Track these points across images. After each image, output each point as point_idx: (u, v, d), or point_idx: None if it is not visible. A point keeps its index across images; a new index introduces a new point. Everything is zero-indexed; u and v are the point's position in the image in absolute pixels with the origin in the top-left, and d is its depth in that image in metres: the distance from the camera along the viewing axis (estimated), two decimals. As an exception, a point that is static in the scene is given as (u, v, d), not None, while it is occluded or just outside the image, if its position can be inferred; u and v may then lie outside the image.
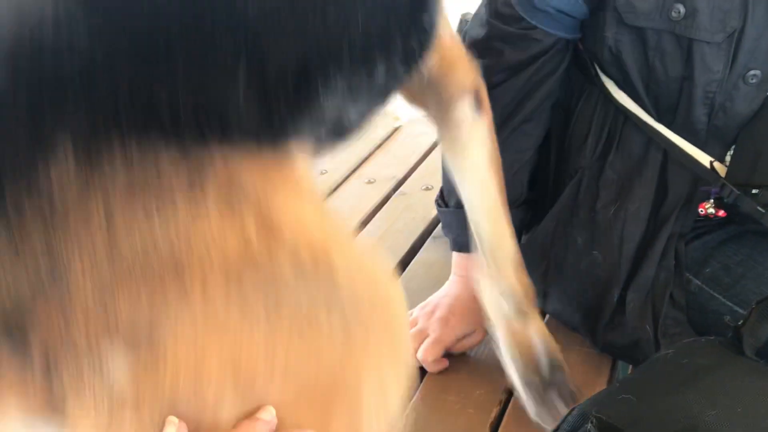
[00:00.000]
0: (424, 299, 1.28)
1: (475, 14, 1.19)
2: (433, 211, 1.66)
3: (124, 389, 0.52)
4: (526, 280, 1.05)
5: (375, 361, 0.64)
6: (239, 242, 0.56)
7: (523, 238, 1.26)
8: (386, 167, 1.90)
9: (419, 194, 1.76)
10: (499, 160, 1.03)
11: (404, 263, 1.49)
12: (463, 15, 1.35)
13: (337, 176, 1.86)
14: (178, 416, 0.53)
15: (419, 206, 1.70)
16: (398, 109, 2.33)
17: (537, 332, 1.04)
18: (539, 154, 1.23)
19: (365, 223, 1.66)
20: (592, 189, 1.15)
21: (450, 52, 0.90)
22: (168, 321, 0.53)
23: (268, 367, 0.56)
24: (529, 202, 1.25)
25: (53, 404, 0.52)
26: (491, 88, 1.14)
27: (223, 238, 0.56)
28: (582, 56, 1.15)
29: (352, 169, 1.90)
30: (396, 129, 2.12)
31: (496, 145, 1.01)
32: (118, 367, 0.52)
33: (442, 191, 1.31)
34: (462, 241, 1.25)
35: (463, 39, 1.21)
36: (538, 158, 1.23)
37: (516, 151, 1.19)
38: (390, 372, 0.66)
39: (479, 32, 1.15)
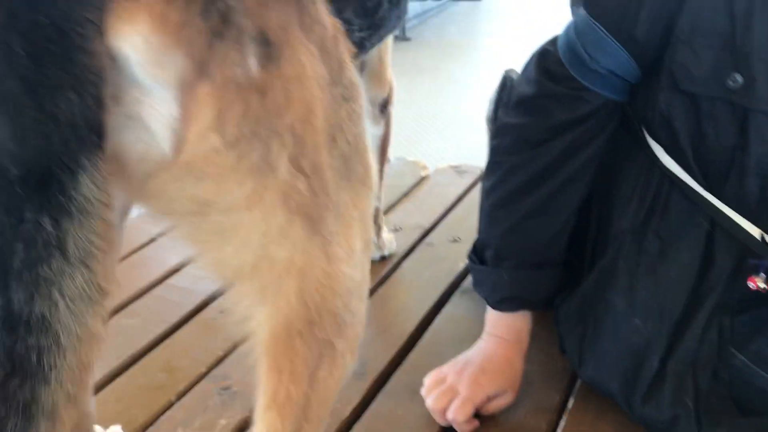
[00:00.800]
0: (452, 355, 1.25)
1: (524, 70, 1.18)
2: (461, 264, 1.64)
3: (255, 76, 0.63)
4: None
5: None
6: None
7: (558, 298, 1.24)
8: (412, 216, 1.88)
9: (446, 246, 1.73)
10: (387, 145, 1.48)
11: (431, 317, 1.46)
12: (507, 71, 1.35)
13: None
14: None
15: (446, 258, 1.67)
16: (426, 158, 2.33)
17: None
18: (579, 214, 1.21)
19: (392, 271, 1.63)
20: (634, 254, 1.12)
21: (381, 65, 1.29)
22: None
23: None
24: (567, 263, 1.22)
25: (195, 50, 0.61)
26: (537, 145, 1.13)
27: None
28: (629, 118, 1.14)
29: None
30: (423, 178, 2.11)
31: (391, 131, 1.45)
32: (255, 57, 0.63)
33: (475, 246, 1.28)
34: (497, 301, 1.22)
35: (510, 95, 1.20)
36: (577, 218, 1.21)
37: (557, 210, 1.17)
38: None
39: (528, 90, 1.14)
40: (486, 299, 1.24)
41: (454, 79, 4.89)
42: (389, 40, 1.30)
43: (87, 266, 0.61)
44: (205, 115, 0.63)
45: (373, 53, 1.26)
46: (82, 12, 0.58)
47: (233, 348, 1.39)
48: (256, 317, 0.73)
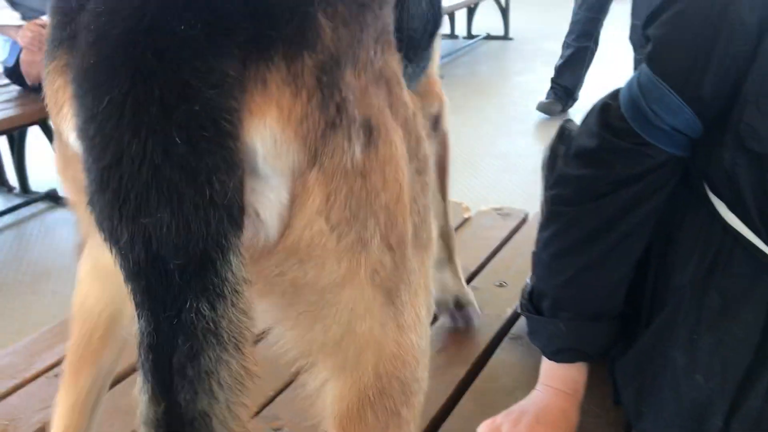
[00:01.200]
0: (504, 404, 1.25)
1: (584, 123, 1.19)
2: (508, 310, 1.64)
3: (358, 161, 0.67)
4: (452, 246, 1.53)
5: None
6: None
7: (614, 350, 1.23)
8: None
9: (492, 290, 1.74)
10: (447, 168, 1.45)
11: (481, 364, 1.46)
12: (565, 122, 1.36)
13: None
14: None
15: (493, 303, 1.67)
16: (462, 198, 2.34)
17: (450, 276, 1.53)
18: (636, 266, 1.21)
19: (436, 317, 1.63)
20: (695, 309, 1.12)
21: (428, 80, 1.27)
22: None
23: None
24: (623, 315, 1.22)
25: (309, 141, 0.64)
26: (597, 198, 1.13)
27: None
28: (690, 173, 1.14)
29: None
30: (466, 220, 2.12)
31: (448, 153, 1.43)
32: (359, 144, 0.66)
33: (531, 295, 1.29)
34: (554, 351, 1.22)
35: (569, 145, 1.22)
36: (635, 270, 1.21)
37: (616, 263, 1.17)
38: None
39: (589, 143, 1.15)
40: (542, 350, 1.24)
41: (486, 117, 4.91)
42: (437, 58, 1.30)
43: (239, 350, 0.63)
44: (313, 201, 0.66)
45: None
46: (228, 100, 0.61)
47: (284, 387, 1.40)
48: (331, 389, 0.75)
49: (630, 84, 1.12)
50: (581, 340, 1.20)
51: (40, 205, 3.61)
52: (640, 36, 1.11)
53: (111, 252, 0.62)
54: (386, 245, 0.70)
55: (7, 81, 3.47)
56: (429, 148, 0.81)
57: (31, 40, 3.10)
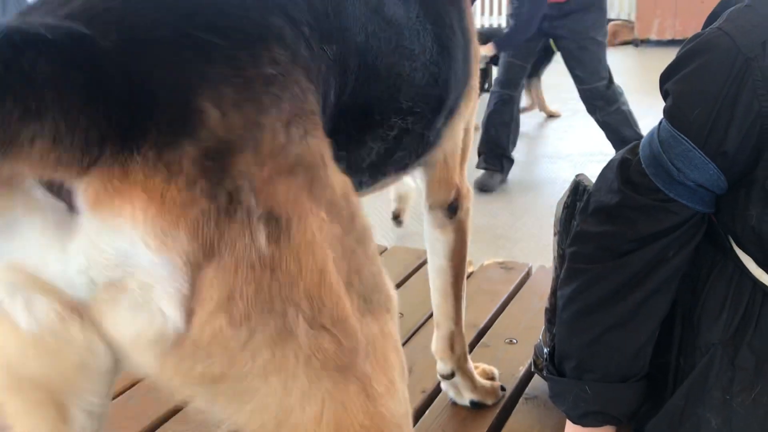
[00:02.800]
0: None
1: (602, 179, 1.17)
2: (521, 368, 1.59)
3: (264, 253, 0.62)
4: (459, 350, 1.43)
5: None
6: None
7: (642, 412, 1.19)
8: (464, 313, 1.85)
9: (503, 348, 1.69)
10: (463, 255, 1.37)
11: (498, 426, 1.40)
12: (578, 176, 1.34)
13: (415, 319, 1.81)
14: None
15: (505, 361, 1.63)
16: (470, 253, 2.32)
17: (468, 389, 1.45)
18: (662, 325, 1.18)
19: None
20: (727, 369, 1.08)
21: (447, 168, 1.25)
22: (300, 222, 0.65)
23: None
24: (650, 376, 1.18)
25: (201, 230, 0.60)
26: (621, 255, 1.11)
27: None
28: (715, 229, 1.12)
29: (428, 314, 1.84)
30: (470, 274, 2.08)
31: (465, 243, 1.35)
32: (263, 235, 0.62)
33: (552, 355, 1.25)
34: (580, 415, 1.17)
35: (587, 201, 1.19)
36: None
37: (642, 321, 1.14)
38: None
39: (609, 199, 1.13)
40: (567, 413, 1.20)
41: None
42: (457, 145, 1.28)
43: None
44: (212, 297, 0.61)
45: (436, 155, 1.24)
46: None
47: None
48: None
49: (650, 139, 1.10)
50: (608, 403, 1.16)
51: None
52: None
53: None
54: (318, 328, 0.66)
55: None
56: (367, 221, 0.77)
57: None
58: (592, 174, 1.31)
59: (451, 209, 1.30)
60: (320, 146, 0.71)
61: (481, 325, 1.79)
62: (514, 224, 3.80)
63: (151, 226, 0.59)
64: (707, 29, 1.04)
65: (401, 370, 0.75)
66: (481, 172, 4.27)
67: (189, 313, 0.62)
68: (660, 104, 1.12)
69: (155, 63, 0.61)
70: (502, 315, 1.85)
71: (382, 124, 0.95)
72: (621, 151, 1.18)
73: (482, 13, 10.01)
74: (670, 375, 1.17)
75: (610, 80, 4.27)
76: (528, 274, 2.08)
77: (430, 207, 1.31)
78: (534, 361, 1.53)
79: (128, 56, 0.60)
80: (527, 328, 1.75)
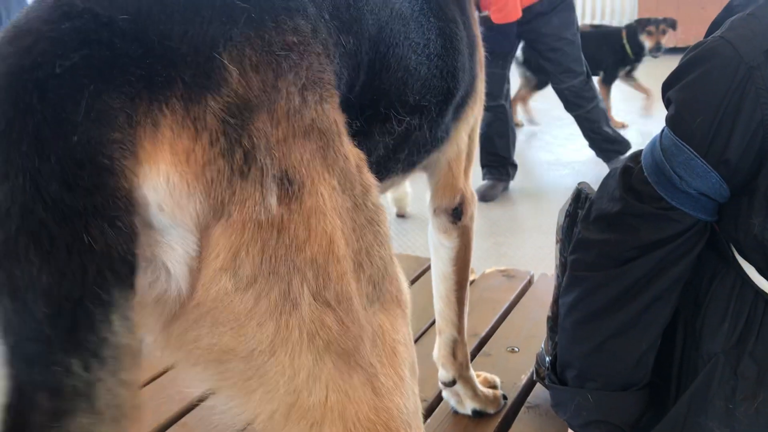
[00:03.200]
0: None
1: (604, 186, 1.17)
2: (523, 377, 1.59)
3: (274, 214, 0.62)
4: (461, 357, 1.42)
5: None
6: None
7: (643, 421, 1.18)
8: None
9: (505, 356, 1.68)
10: (467, 261, 1.36)
11: (499, 436, 1.40)
12: (580, 184, 1.34)
13: (416, 327, 1.81)
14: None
15: (507, 370, 1.62)
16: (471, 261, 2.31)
17: (469, 398, 1.44)
18: (663, 333, 1.17)
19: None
20: (730, 378, 1.07)
21: (451, 173, 1.25)
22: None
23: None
24: (652, 384, 1.18)
25: (214, 189, 0.60)
26: (622, 263, 1.10)
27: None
28: (717, 237, 1.12)
29: (429, 322, 1.84)
30: (471, 282, 2.07)
31: (469, 248, 1.35)
32: (274, 196, 0.62)
33: (553, 364, 1.24)
34: (582, 424, 1.17)
35: (588, 209, 1.19)
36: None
37: (644, 329, 1.13)
38: None
39: (611, 207, 1.13)
40: (568, 422, 1.19)
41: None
42: (462, 150, 1.28)
43: (119, 425, 0.57)
44: (217, 256, 0.61)
45: (440, 160, 1.24)
46: (109, 132, 0.57)
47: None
48: None
49: (652, 147, 1.10)
50: (610, 412, 1.15)
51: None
52: None
53: None
54: (322, 303, 0.65)
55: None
56: (381, 201, 0.76)
57: None
58: (593, 181, 1.31)
59: (456, 214, 1.31)
60: (335, 114, 0.71)
61: (483, 334, 1.79)
62: (514, 232, 3.79)
63: (170, 190, 0.59)
64: (709, 38, 1.04)
65: (411, 367, 0.74)
66: (484, 181, 4.27)
67: (194, 273, 0.61)
68: (662, 111, 1.12)
69: (174, 23, 0.62)
70: (503, 323, 1.84)
71: (389, 117, 0.95)
72: (623, 159, 1.18)
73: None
74: (672, 384, 1.17)
75: (588, 75, 4.32)
76: (530, 282, 2.08)
77: (435, 211, 1.31)
78: (536, 370, 1.52)
79: (146, 21, 0.61)
80: (529, 337, 1.74)
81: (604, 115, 4.44)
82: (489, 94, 4.70)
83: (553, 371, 1.23)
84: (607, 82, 5.48)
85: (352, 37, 0.83)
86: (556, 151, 5.20)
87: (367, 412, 0.67)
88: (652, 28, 5.25)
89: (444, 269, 1.35)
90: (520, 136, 5.48)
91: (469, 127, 1.25)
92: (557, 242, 1.39)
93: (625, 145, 4.42)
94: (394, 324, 0.72)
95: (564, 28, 4.11)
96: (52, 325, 0.54)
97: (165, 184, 0.59)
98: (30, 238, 0.54)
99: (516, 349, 1.71)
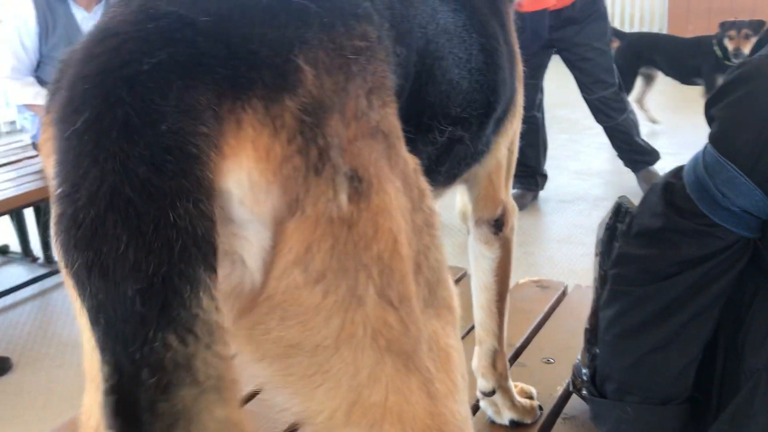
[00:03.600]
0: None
1: (645, 202, 1.18)
2: (559, 388, 1.60)
3: (344, 211, 0.63)
4: (501, 367, 1.43)
5: None
6: None
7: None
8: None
9: (540, 368, 1.69)
10: (507, 271, 1.37)
11: (536, 446, 1.41)
12: (620, 198, 1.35)
13: (450, 339, 1.82)
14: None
15: (542, 381, 1.63)
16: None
17: (507, 408, 1.44)
18: (705, 348, 1.18)
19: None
20: (773, 394, 1.08)
21: (491, 184, 1.27)
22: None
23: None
24: (692, 400, 1.18)
25: (290, 185, 0.62)
26: (663, 278, 1.11)
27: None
28: (760, 254, 1.12)
29: (464, 331, 1.85)
30: (505, 292, 2.09)
31: (509, 259, 1.36)
32: (345, 193, 0.63)
33: (593, 377, 1.25)
34: None
35: (630, 224, 1.20)
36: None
37: (685, 344, 1.14)
38: None
39: (653, 222, 1.14)
40: None
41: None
42: (502, 163, 1.30)
43: (222, 397, 0.57)
44: (290, 250, 0.63)
45: (480, 173, 1.26)
46: (198, 125, 0.59)
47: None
48: None
49: (695, 164, 1.11)
50: (649, 426, 1.16)
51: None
52: None
53: (76, 292, 0.57)
54: (386, 302, 0.66)
55: (35, 153, 3.52)
56: (434, 204, 0.77)
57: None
58: (626, 192, 1.32)
59: (497, 225, 1.32)
60: (395, 119, 0.74)
61: (518, 344, 1.79)
62: (544, 241, 3.79)
63: (251, 185, 0.61)
64: (755, 56, 1.05)
65: (463, 372, 0.75)
66: (513, 190, 4.28)
67: (267, 266, 0.63)
68: (693, 118, 1.13)
69: (254, 26, 0.65)
70: (538, 334, 1.85)
71: (432, 128, 0.97)
72: (665, 175, 1.19)
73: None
74: (714, 399, 1.17)
75: (620, 87, 4.26)
76: (564, 293, 2.08)
77: (476, 222, 1.33)
78: (572, 381, 1.53)
79: (227, 23, 0.64)
80: (564, 348, 1.75)
81: (635, 126, 4.40)
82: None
83: (593, 384, 1.24)
84: (708, 90, 5.38)
85: (404, 49, 0.86)
86: (585, 161, 5.19)
87: (423, 416, 0.68)
88: (733, 32, 5.05)
89: (485, 280, 1.36)
90: (550, 144, 5.47)
91: (509, 140, 1.27)
92: (596, 255, 1.40)
93: (654, 156, 4.40)
94: (446, 329, 0.74)
95: (596, 37, 4.09)
96: (143, 302, 0.55)
97: (247, 179, 0.61)
98: (118, 215, 0.56)
99: (551, 360, 1.72)
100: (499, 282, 1.37)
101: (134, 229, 0.56)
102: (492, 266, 1.34)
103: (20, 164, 3.46)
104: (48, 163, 0.69)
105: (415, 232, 0.71)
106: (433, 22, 0.96)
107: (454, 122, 1.02)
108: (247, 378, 0.69)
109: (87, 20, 3.32)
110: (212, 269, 0.58)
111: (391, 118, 0.72)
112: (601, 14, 4.12)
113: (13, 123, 6.47)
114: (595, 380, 1.23)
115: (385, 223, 0.66)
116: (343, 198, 0.63)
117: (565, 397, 1.57)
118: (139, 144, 0.57)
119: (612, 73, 4.22)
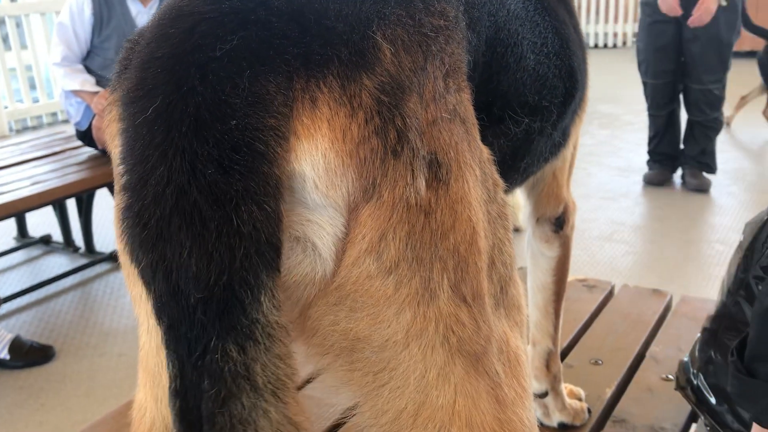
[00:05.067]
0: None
1: None
2: (607, 390, 1.56)
3: (422, 197, 0.61)
4: (554, 369, 1.41)
5: None
6: None
7: None
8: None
9: (587, 368, 1.66)
10: (566, 271, 1.33)
11: (586, 450, 1.38)
12: None
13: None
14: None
15: (589, 382, 1.59)
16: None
17: (557, 410, 1.41)
18: None
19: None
20: None
21: (555, 182, 1.23)
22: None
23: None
24: None
25: (367, 168, 0.59)
26: None
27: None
28: None
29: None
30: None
31: (568, 258, 1.32)
32: (423, 178, 0.61)
33: (743, 355, 1.15)
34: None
35: None
36: None
37: None
38: None
39: None
40: (757, 417, 1.10)
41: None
42: (567, 159, 1.25)
43: (279, 398, 0.56)
44: (364, 237, 0.60)
45: (546, 170, 1.22)
46: (265, 118, 0.57)
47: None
48: None
49: None
50: None
51: (105, 266, 3.65)
52: None
53: (143, 288, 0.57)
54: (459, 298, 0.63)
55: (79, 143, 3.56)
56: (505, 196, 0.74)
57: (101, 104, 3.18)
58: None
59: (558, 223, 1.29)
60: (470, 105, 0.70)
61: (565, 345, 1.76)
62: (586, 240, 3.73)
63: (326, 167, 0.59)
64: None
65: (530, 377, 0.73)
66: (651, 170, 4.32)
67: (339, 254, 0.61)
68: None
69: (329, 1, 0.62)
70: (585, 334, 1.81)
71: (504, 119, 0.93)
72: None
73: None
74: None
75: (724, 85, 4.21)
76: (611, 293, 2.04)
77: (537, 221, 1.29)
78: (677, 378, 1.46)
79: (301, 2, 0.62)
80: (612, 350, 1.71)
81: (719, 129, 4.36)
82: (666, 103, 4.71)
83: (741, 361, 1.17)
84: None
85: (475, 37, 0.83)
86: (627, 157, 5.09)
87: (491, 422, 0.65)
88: None
89: (543, 279, 1.33)
90: (591, 140, 5.40)
91: (577, 135, 1.23)
92: (734, 258, 1.34)
93: (715, 166, 4.38)
94: (514, 331, 0.71)
95: (727, 29, 4.06)
96: (204, 310, 0.54)
97: (322, 161, 0.59)
98: (183, 218, 0.55)
99: (600, 362, 1.68)
100: (557, 282, 1.34)
101: (197, 236, 0.55)
102: (551, 265, 1.31)
103: (63, 155, 3.50)
104: (112, 145, 0.68)
105: (491, 224, 0.68)
106: (503, 9, 0.92)
107: (532, 111, 0.97)
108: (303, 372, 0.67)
109: (142, 14, 3.35)
110: (275, 270, 0.57)
111: (467, 104, 0.68)
112: (735, 6, 4.06)
113: (55, 114, 6.57)
114: (744, 357, 1.16)
115: (464, 212, 0.63)
116: (422, 183, 0.61)
117: (614, 400, 1.53)
118: (209, 141, 0.56)
119: (726, 69, 4.16)
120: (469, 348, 0.64)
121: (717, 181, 4.47)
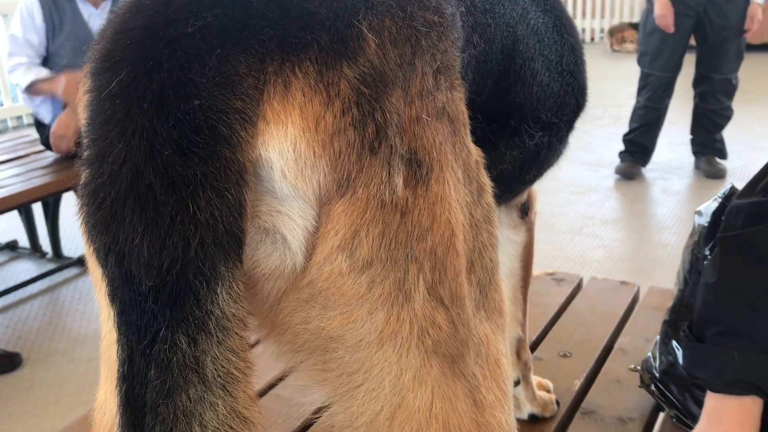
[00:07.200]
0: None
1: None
2: (576, 382, 1.57)
3: (399, 196, 0.59)
4: (525, 357, 1.42)
5: None
6: None
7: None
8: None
9: (557, 361, 1.66)
10: (531, 256, 1.34)
11: (555, 442, 1.38)
12: (731, 188, 1.31)
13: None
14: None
15: (559, 375, 1.60)
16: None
17: (528, 401, 1.42)
18: None
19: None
20: None
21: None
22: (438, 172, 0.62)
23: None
24: None
25: (342, 162, 0.57)
26: None
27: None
28: None
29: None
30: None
31: (533, 244, 1.33)
32: (401, 177, 0.60)
33: (692, 323, 1.17)
34: (725, 383, 1.08)
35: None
36: None
37: None
38: None
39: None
40: (707, 382, 1.11)
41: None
42: None
43: (228, 392, 0.55)
44: (336, 233, 0.58)
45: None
46: (231, 99, 0.55)
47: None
48: None
49: None
50: (757, 375, 1.07)
51: (73, 270, 3.60)
52: None
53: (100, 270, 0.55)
54: (436, 300, 0.61)
55: (42, 148, 3.50)
56: (493, 201, 0.73)
57: (67, 88, 3.09)
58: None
59: (524, 210, 1.31)
60: (462, 105, 0.68)
61: (534, 337, 1.77)
62: (555, 233, 3.75)
63: (295, 157, 0.57)
64: None
65: (510, 380, 0.72)
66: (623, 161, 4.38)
67: (310, 248, 0.59)
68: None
69: None
70: (554, 327, 1.82)
71: (519, 131, 0.92)
72: None
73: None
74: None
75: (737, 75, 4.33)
76: (579, 286, 2.05)
77: (505, 208, 1.31)
78: (641, 377, 1.47)
79: None
80: (580, 342, 1.72)
81: (731, 118, 4.47)
82: (659, 97, 4.79)
83: (691, 329, 1.17)
84: None
85: (484, 42, 0.81)
86: (597, 151, 5.14)
87: (469, 425, 0.65)
88: None
89: (511, 265, 1.34)
90: (560, 135, 5.41)
91: None
92: (686, 248, 1.35)
93: (726, 152, 4.46)
94: (496, 334, 0.70)
95: (743, 19, 4.11)
96: (155, 298, 0.53)
97: (291, 149, 0.57)
98: (137, 201, 0.53)
99: (568, 354, 1.69)
100: (524, 267, 1.35)
101: (150, 221, 0.53)
102: (518, 251, 1.33)
103: (28, 159, 3.44)
104: (82, 118, 0.66)
105: (473, 228, 0.66)
106: (523, 23, 0.91)
107: (544, 126, 0.97)
108: (260, 371, 0.66)
109: (95, 17, 3.29)
110: (235, 262, 0.55)
111: (458, 103, 0.66)
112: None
113: (20, 118, 6.46)
114: (692, 327, 1.16)
115: (443, 213, 0.62)
116: (399, 182, 0.59)
117: (583, 392, 1.54)
118: (169, 120, 0.54)
119: (742, 58, 4.24)
120: (445, 350, 0.63)
121: (685, 173, 4.53)
